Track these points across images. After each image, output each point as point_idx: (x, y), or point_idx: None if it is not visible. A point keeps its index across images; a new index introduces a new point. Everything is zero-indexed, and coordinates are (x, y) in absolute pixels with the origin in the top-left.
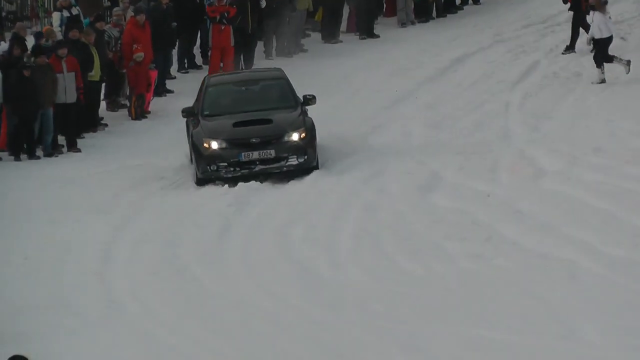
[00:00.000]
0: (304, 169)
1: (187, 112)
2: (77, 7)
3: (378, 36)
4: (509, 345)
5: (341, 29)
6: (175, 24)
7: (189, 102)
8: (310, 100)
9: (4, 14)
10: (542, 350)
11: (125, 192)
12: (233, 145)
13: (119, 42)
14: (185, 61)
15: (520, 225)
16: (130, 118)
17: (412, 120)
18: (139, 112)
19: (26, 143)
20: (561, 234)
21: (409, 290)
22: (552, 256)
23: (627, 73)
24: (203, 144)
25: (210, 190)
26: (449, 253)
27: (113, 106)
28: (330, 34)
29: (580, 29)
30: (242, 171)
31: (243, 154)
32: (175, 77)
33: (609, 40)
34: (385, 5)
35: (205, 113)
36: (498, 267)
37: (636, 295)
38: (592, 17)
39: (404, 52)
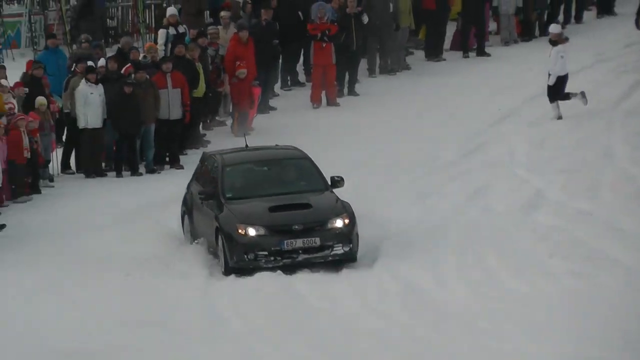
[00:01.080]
0: (347, 259)
1: (206, 195)
2: (184, 26)
3: (489, 54)
4: None
5: (445, 47)
6: (276, 41)
7: (292, 121)
8: (338, 182)
9: None
10: None
11: None
12: (273, 232)
13: (215, 60)
14: (289, 78)
15: (623, 244)
16: (232, 135)
17: (515, 138)
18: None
19: (128, 159)
20: None
21: (513, 308)
22: None
23: (585, 105)
24: (237, 230)
25: None
26: (552, 270)
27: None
28: (433, 51)
29: None
30: (284, 261)
31: (286, 242)
32: (278, 95)
33: (565, 77)
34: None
35: (228, 196)
36: (600, 285)
37: None
38: (551, 52)
39: (507, 71)
